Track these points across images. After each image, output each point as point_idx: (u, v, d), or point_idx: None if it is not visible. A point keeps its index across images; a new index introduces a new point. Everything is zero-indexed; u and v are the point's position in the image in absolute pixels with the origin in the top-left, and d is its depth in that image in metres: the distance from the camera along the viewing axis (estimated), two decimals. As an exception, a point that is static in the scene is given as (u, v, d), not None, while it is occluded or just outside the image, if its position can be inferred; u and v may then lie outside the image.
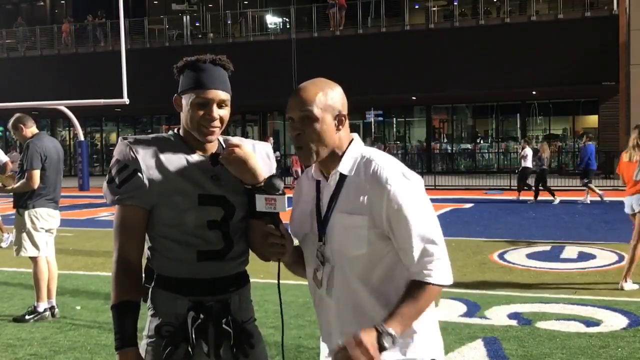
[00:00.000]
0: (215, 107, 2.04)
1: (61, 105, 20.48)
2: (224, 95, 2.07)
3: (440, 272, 1.91)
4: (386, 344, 1.80)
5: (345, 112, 1.99)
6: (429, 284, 1.89)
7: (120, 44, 15.94)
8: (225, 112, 2.08)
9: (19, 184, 5.97)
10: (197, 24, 31.05)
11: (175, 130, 2.16)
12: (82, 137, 23.88)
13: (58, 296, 6.20)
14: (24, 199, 5.93)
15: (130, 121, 33.53)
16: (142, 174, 2.01)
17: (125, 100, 15.99)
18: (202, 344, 2.04)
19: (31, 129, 6.09)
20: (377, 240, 1.91)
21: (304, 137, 1.94)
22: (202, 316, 2.04)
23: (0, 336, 5.45)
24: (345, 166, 1.96)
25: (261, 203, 1.97)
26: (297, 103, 1.95)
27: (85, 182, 22.72)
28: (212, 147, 2.13)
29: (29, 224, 5.91)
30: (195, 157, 2.08)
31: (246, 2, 31.07)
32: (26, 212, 5.92)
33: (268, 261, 2.23)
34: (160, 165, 2.03)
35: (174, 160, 2.04)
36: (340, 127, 1.97)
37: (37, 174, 5.85)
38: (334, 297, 1.98)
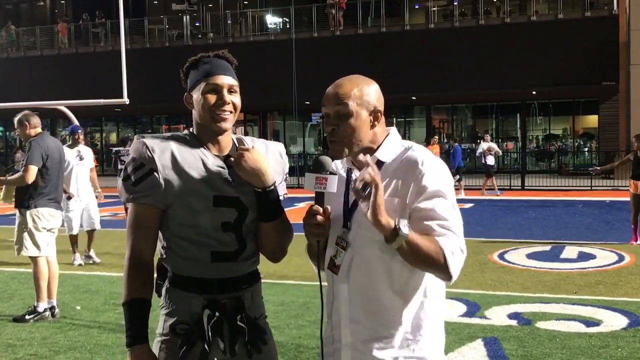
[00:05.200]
0: (225, 92, 2.06)
1: (61, 105, 20.44)
2: (232, 80, 2.09)
3: (458, 263, 1.90)
4: (402, 228, 1.81)
5: (381, 107, 2.01)
6: (445, 258, 1.87)
7: (120, 44, 15.89)
8: (236, 99, 2.10)
9: (14, 177, 5.97)
10: (197, 24, 31.05)
11: (190, 130, 2.16)
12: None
13: (58, 296, 6.20)
14: (26, 199, 5.93)
15: (130, 121, 33.52)
16: (158, 174, 2.02)
17: (125, 100, 15.94)
18: (218, 341, 2.06)
19: (35, 129, 6.07)
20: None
21: (339, 131, 1.97)
22: (217, 314, 2.05)
23: (0, 336, 5.44)
24: (383, 154, 2.00)
25: (311, 182, 1.91)
26: (332, 98, 1.97)
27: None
28: (226, 145, 2.13)
29: (30, 224, 5.91)
30: (211, 158, 2.08)
31: (246, 2, 31.07)
32: (28, 212, 5.92)
33: (277, 262, 2.24)
34: (176, 166, 2.03)
35: (190, 161, 2.05)
36: (376, 123, 2.00)
37: (33, 169, 5.82)
38: (351, 283, 1.98)
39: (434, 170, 1.93)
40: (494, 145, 19.46)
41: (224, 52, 2.15)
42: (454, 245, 1.89)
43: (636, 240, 9.85)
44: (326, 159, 1.94)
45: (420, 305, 1.97)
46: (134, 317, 2.02)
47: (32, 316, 5.87)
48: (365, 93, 1.98)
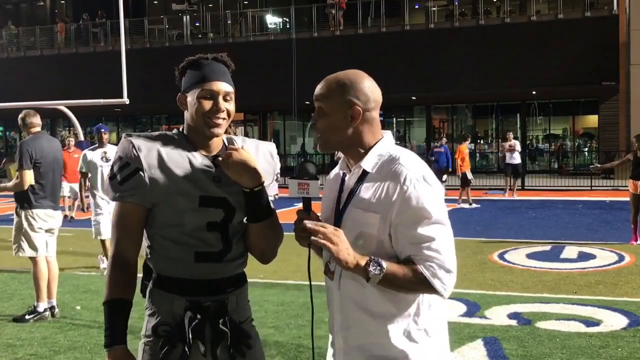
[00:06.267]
0: (221, 98, 2.05)
1: (61, 105, 20.44)
2: (229, 87, 2.08)
3: (445, 283, 1.86)
4: (373, 270, 1.82)
5: (367, 106, 1.97)
6: (430, 282, 1.85)
7: (120, 44, 15.90)
8: (230, 106, 2.08)
9: (10, 183, 5.95)
10: (197, 24, 31.04)
11: (180, 129, 2.15)
12: (82, 137, 23.85)
13: (58, 296, 6.20)
14: (21, 200, 5.91)
15: (130, 121, 33.52)
16: (143, 173, 2.01)
17: (125, 100, 15.95)
18: (198, 344, 2.04)
19: (33, 128, 6.02)
20: (387, 240, 1.90)
21: (317, 127, 2.00)
22: (199, 316, 2.04)
23: (0, 336, 5.45)
24: (368, 162, 1.96)
25: (294, 188, 1.93)
26: (315, 94, 2.00)
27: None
28: (216, 147, 2.12)
29: (26, 225, 5.89)
30: (198, 158, 2.07)
31: (246, 2, 31.06)
32: (23, 213, 5.90)
33: (266, 263, 2.23)
34: (162, 165, 2.02)
35: (177, 160, 2.04)
36: (354, 122, 1.96)
37: (27, 174, 5.79)
38: (342, 289, 1.97)
39: (419, 187, 1.86)
40: (513, 143, 18.36)
41: (223, 55, 2.13)
42: (436, 268, 1.84)
43: (636, 240, 9.85)
44: (309, 164, 1.96)
45: (412, 314, 1.93)
46: (113, 318, 2.01)
47: (32, 316, 5.87)
48: (345, 91, 1.95)
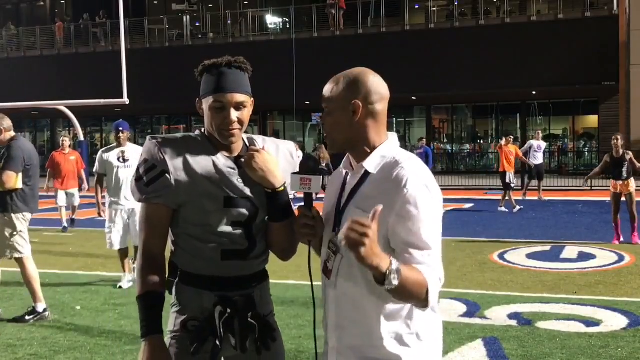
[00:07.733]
0: (232, 110, 2.07)
1: (61, 105, 20.46)
2: (241, 97, 2.08)
3: (436, 294, 1.84)
4: (393, 280, 1.69)
5: (369, 99, 1.92)
6: (427, 292, 1.80)
7: (120, 44, 15.91)
8: (244, 114, 2.10)
9: None
10: (197, 24, 31.06)
11: (202, 130, 2.19)
12: (82, 137, 23.86)
13: (58, 296, 6.19)
14: (10, 202, 5.85)
15: (131, 121, 33.34)
16: (169, 175, 2.05)
17: (125, 100, 15.98)
18: (229, 337, 2.09)
19: (9, 132, 5.94)
20: (385, 242, 1.86)
21: (324, 127, 2.01)
22: (228, 310, 2.09)
23: (0, 336, 5.45)
24: (370, 163, 1.94)
25: (296, 183, 1.95)
26: (322, 96, 2.00)
27: (85, 182, 22.62)
28: (237, 147, 2.16)
29: (15, 226, 5.86)
30: (221, 159, 2.11)
31: (246, 2, 31.07)
32: (14, 216, 5.85)
33: (287, 260, 2.26)
34: (187, 167, 2.06)
35: (201, 162, 2.08)
36: (355, 116, 1.92)
37: (13, 176, 5.74)
38: (338, 288, 1.96)
39: (419, 192, 1.84)
40: (533, 142, 17.68)
41: (238, 59, 2.12)
42: (434, 277, 1.82)
43: (619, 239, 9.89)
44: (310, 159, 2.00)
45: (404, 317, 1.91)
46: (148, 309, 2.05)
47: (32, 316, 5.87)
48: (346, 87, 1.93)
